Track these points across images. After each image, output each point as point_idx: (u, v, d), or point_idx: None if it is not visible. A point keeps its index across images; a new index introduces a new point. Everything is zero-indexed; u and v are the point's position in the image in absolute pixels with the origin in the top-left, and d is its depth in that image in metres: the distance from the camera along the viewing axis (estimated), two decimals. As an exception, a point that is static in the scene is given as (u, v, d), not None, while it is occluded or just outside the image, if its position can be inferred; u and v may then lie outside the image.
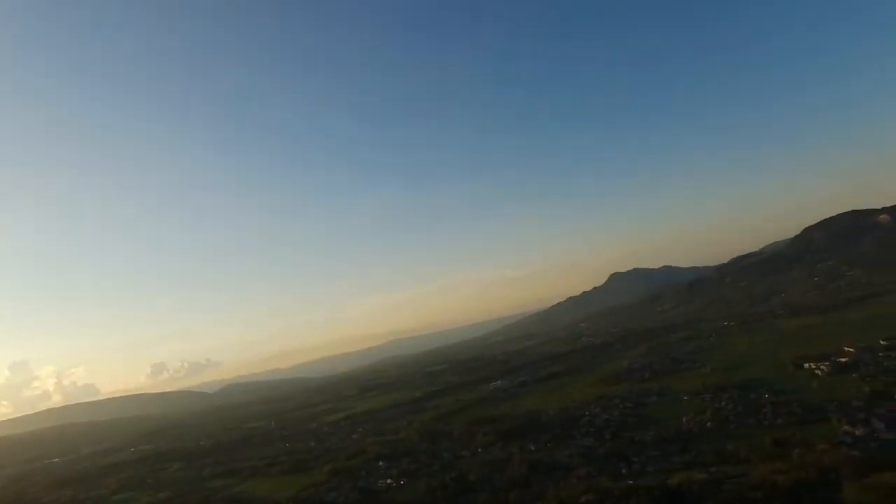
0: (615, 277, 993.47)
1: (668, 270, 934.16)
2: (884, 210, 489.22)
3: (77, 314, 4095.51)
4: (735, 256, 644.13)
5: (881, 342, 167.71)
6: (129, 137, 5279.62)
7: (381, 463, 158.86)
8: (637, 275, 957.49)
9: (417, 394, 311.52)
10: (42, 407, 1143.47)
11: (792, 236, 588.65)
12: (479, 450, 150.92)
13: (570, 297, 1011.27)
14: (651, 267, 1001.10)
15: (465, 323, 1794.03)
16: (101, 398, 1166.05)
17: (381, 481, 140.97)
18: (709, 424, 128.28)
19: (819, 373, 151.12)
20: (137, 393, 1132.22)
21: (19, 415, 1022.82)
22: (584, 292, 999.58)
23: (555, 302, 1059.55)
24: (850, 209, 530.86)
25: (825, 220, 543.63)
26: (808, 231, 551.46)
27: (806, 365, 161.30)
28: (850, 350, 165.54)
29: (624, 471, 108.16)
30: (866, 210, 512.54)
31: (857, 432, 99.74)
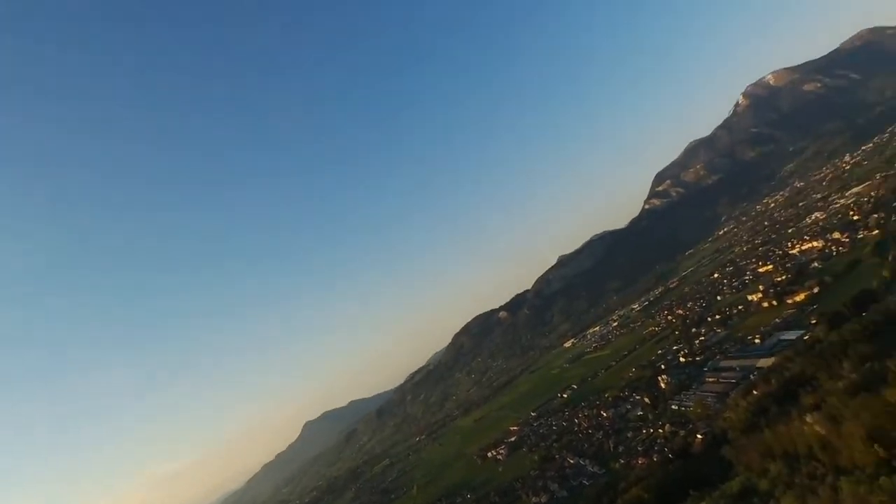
0: (308, 427, 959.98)
1: (355, 404, 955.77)
2: (501, 308, 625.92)
3: None
4: (409, 374, 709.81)
5: (532, 413, 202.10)
6: None
7: None
8: (328, 417, 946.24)
9: None
10: None
11: (447, 344, 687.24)
12: None
13: (265, 464, 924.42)
14: (340, 405, 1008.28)
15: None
16: None
17: None
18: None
19: (500, 457, 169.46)
20: None
21: None
22: (278, 454, 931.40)
23: (249, 475, 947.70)
24: (477, 313, 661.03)
25: (465, 325, 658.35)
26: (457, 337, 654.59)
27: (489, 454, 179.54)
28: (515, 428, 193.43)
29: None
30: (490, 311, 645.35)
31: (542, 500, 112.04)
